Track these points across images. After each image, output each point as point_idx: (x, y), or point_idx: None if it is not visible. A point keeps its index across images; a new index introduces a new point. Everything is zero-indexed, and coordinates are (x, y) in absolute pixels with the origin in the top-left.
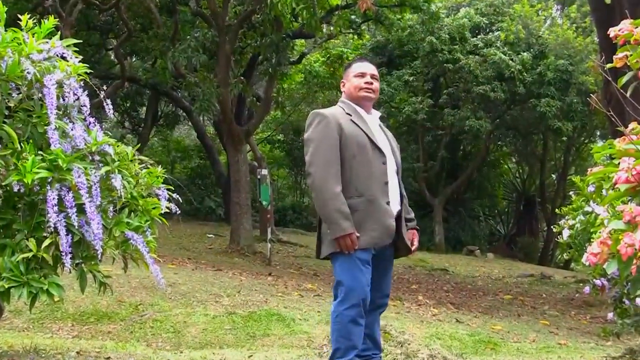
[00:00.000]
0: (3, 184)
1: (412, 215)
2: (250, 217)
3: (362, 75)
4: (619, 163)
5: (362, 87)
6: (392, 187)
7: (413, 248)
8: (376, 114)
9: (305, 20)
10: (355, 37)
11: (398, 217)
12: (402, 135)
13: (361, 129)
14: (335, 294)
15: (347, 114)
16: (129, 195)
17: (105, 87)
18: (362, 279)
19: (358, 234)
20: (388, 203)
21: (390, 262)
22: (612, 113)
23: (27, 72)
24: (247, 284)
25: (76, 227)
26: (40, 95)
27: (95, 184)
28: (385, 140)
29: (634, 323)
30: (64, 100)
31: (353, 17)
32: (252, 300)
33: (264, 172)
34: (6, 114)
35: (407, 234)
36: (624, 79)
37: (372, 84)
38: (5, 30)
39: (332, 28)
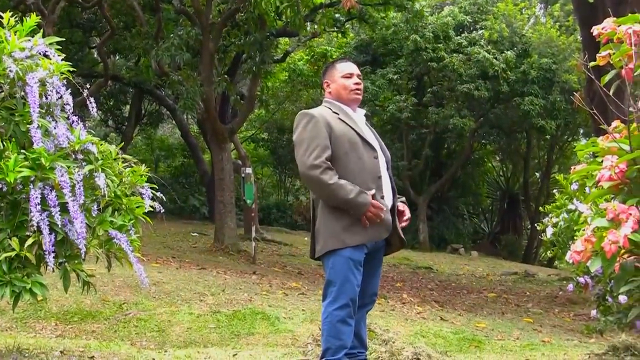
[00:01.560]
0: None
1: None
2: (235, 215)
3: (350, 76)
4: (602, 161)
5: (352, 89)
6: (385, 182)
7: (405, 218)
8: (361, 112)
9: (289, 19)
10: (339, 35)
11: (391, 211)
12: (386, 134)
13: (350, 127)
14: (325, 293)
15: (335, 112)
16: (113, 194)
17: (88, 86)
18: (353, 280)
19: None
20: (382, 197)
21: (380, 262)
22: (595, 111)
23: (9, 70)
24: (232, 283)
25: (59, 226)
26: (22, 93)
27: (78, 182)
28: (373, 136)
29: (617, 320)
30: (46, 98)
31: (337, 15)
32: (237, 299)
33: (248, 170)
34: None
35: (398, 205)
36: (607, 78)
37: (360, 84)
38: None
39: (316, 26)
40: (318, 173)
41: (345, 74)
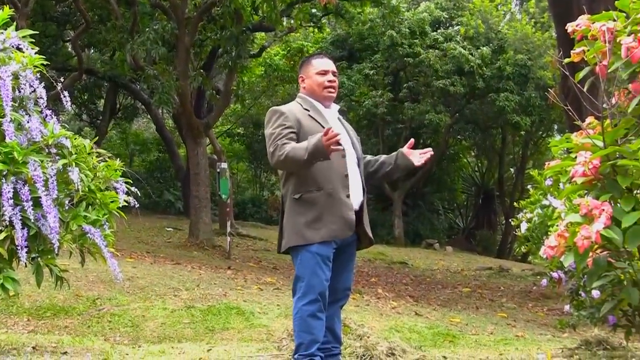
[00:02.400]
0: None
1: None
2: (210, 210)
3: (325, 73)
4: (575, 157)
5: (325, 86)
6: (353, 180)
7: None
8: (335, 107)
9: (266, 13)
10: (316, 30)
11: (360, 209)
12: (362, 129)
13: (319, 124)
14: (294, 289)
15: (305, 109)
16: (87, 189)
17: (62, 79)
18: (321, 275)
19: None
20: (348, 196)
21: (352, 256)
22: (569, 108)
23: None
24: (206, 278)
25: (32, 221)
26: None
27: (51, 177)
28: (344, 133)
29: (590, 315)
30: (19, 92)
31: (313, 10)
32: (211, 294)
33: (224, 165)
34: None
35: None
36: (581, 74)
37: (335, 82)
38: None
39: (292, 21)
40: (278, 155)
41: (319, 71)
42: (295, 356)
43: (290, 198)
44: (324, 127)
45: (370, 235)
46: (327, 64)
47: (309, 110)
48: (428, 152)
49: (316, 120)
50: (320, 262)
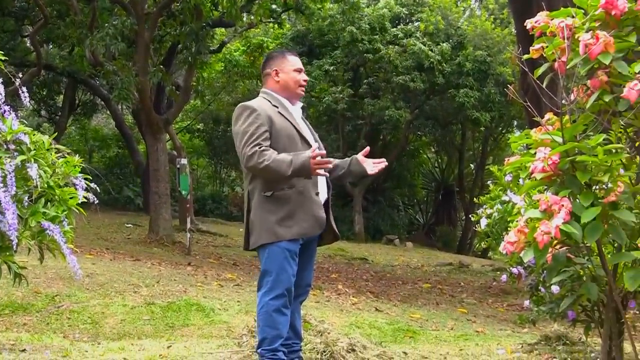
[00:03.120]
0: None
1: None
2: (170, 206)
3: (300, 70)
4: (535, 153)
5: (301, 84)
6: (320, 178)
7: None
8: (299, 105)
9: (226, 9)
10: (276, 26)
11: (326, 205)
12: (322, 125)
13: (289, 122)
14: (260, 284)
15: (274, 106)
16: (46, 185)
17: (20, 75)
18: (289, 270)
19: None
20: (317, 194)
21: (314, 253)
22: (528, 104)
23: None
24: (166, 274)
25: None
26: None
27: (10, 173)
28: (309, 131)
29: (550, 310)
30: None
31: (274, 6)
32: (171, 290)
33: (183, 161)
34: None
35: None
36: (540, 70)
37: (306, 80)
38: None
39: (252, 17)
40: (256, 160)
41: (296, 68)
42: (259, 350)
43: (260, 195)
44: (293, 126)
45: (336, 230)
46: (299, 62)
47: (277, 107)
48: (382, 163)
49: (286, 118)
50: (288, 257)
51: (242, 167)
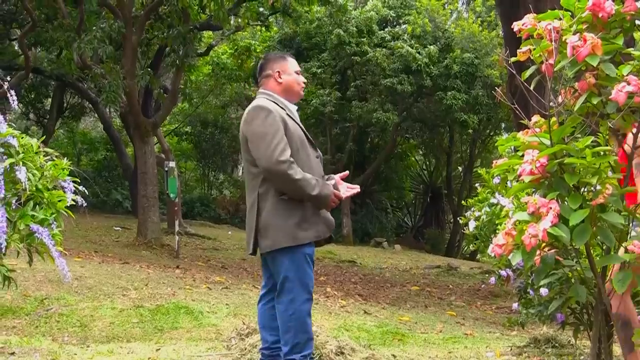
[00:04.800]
0: None
1: None
2: (158, 209)
3: (299, 73)
4: (523, 155)
5: (302, 86)
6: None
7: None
8: (295, 106)
9: (213, 12)
10: (263, 29)
11: None
12: (310, 128)
13: (297, 124)
14: (282, 290)
15: (282, 108)
16: (34, 188)
17: (8, 78)
18: (310, 273)
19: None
20: None
21: None
22: (516, 106)
23: None
24: (155, 277)
25: None
26: None
27: None
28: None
29: (538, 313)
30: None
31: (261, 9)
32: (160, 293)
33: (172, 164)
34: None
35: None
36: (528, 73)
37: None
38: None
39: (239, 20)
40: (285, 168)
41: (297, 70)
42: (293, 357)
43: (275, 198)
44: (301, 129)
45: (332, 234)
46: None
47: (285, 110)
48: (355, 189)
49: (295, 121)
50: (309, 261)
51: (260, 168)
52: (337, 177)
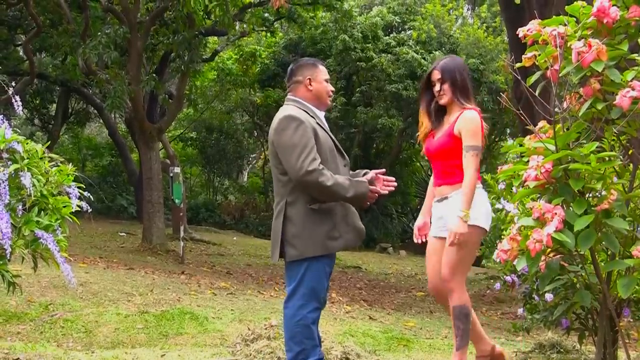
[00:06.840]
0: None
1: None
2: (163, 215)
3: (328, 82)
4: (528, 161)
5: (330, 95)
6: None
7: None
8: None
9: (218, 18)
10: (268, 34)
11: None
12: None
13: (328, 134)
14: (293, 295)
15: (312, 117)
16: (39, 194)
17: (13, 84)
18: (325, 284)
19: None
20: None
21: None
22: (521, 112)
23: None
24: (160, 283)
25: None
26: None
27: (3, 182)
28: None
29: (543, 318)
30: None
31: (266, 14)
32: (165, 299)
33: (177, 170)
34: None
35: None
36: (533, 78)
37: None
38: None
39: (245, 25)
40: (316, 177)
41: (327, 78)
42: None
43: (304, 207)
44: (331, 138)
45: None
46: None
47: (314, 118)
48: (392, 184)
49: (325, 130)
50: (327, 272)
51: (292, 178)
52: (373, 173)
